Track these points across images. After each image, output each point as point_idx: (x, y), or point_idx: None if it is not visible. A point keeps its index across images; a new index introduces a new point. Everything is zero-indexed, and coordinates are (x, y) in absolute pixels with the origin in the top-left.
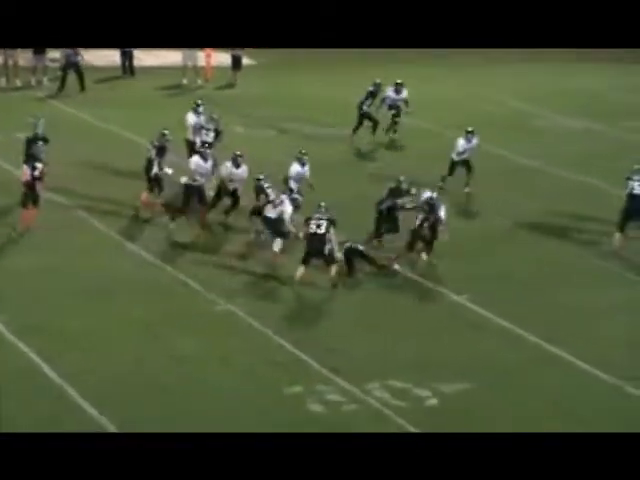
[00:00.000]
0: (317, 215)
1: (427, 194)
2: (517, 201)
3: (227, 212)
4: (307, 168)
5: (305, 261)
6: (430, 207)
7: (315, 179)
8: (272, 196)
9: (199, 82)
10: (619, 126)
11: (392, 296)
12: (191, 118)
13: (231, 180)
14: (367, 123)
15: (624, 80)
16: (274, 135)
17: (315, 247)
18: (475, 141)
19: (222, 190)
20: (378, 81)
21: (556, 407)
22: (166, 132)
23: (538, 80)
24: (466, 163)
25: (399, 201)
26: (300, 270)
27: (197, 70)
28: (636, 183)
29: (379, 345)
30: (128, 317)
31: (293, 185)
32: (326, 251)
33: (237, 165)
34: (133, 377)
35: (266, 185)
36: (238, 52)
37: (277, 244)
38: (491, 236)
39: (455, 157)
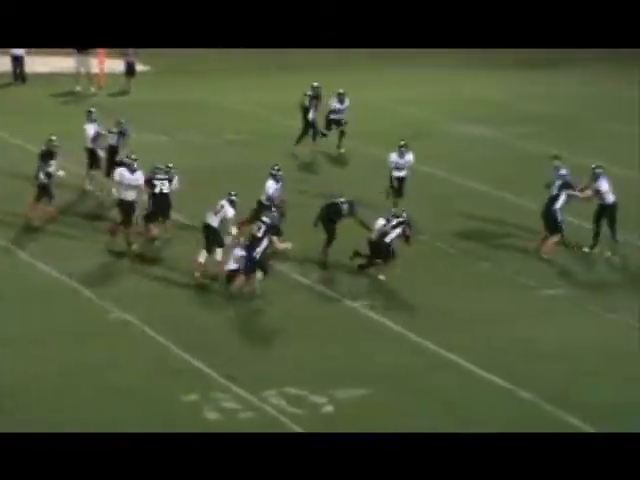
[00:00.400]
0: (263, 218)
1: (383, 220)
2: (417, 207)
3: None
4: (281, 184)
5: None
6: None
7: (212, 186)
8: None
9: (92, 89)
10: (515, 132)
11: (289, 304)
12: (89, 127)
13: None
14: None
15: (523, 87)
16: (167, 141)
17: (249, 250)
18: (410, 157)
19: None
20: (316, 84)
21: (451, 412)
22: (53, 138)
23: (438, 87)
24: (401, 182)
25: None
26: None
27: (90, 77)
28: (554, 185)
29: (275, 352)
30: (19, 326)
31: (267, 202)
32: (254, 254)
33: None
34: (24, 385)
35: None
36: (131, 58)
37: (218, 254)
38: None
39: (395, 173)
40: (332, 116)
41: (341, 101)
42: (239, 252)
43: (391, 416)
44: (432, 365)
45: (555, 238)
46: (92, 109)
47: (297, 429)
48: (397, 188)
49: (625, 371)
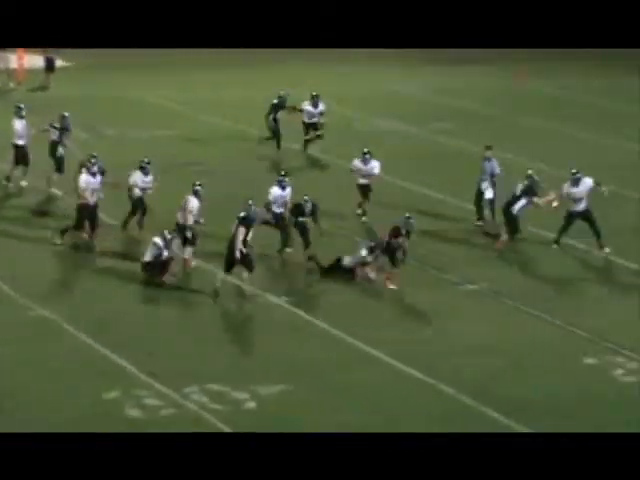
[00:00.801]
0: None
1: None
2: (338, 203)
3: (139, 223)
4: (288, 191)
5: (225, 267)
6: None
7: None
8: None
9: (11, 85)
10: (428, 128)
11: (210, 300)
12: (17, 123)
13: (143, 189)
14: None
15: (440, 83)
16: (88, 138)
17: (228, 247)
18: (374, 164)
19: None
20: (282, 93)
21: (375, 407)
22: None
23: (355, 83)
24: (366, 188)
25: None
26: (218, 277)
27: (9, 73)
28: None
29: (198, 349)
30: None
31: (276, 209)
32: (236, 253)
33: (146, 173)
34: None
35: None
36: (51, 54)
37: (187, 252)
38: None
39: (361, 181)
40: (307, 120)
41: (315, 104)
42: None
43: (315, 412)
44: (355, 360)
45: (506, 236)
46: (21, 105)
47: (220, 426)
48: (363, 194)
49: (546, 367)
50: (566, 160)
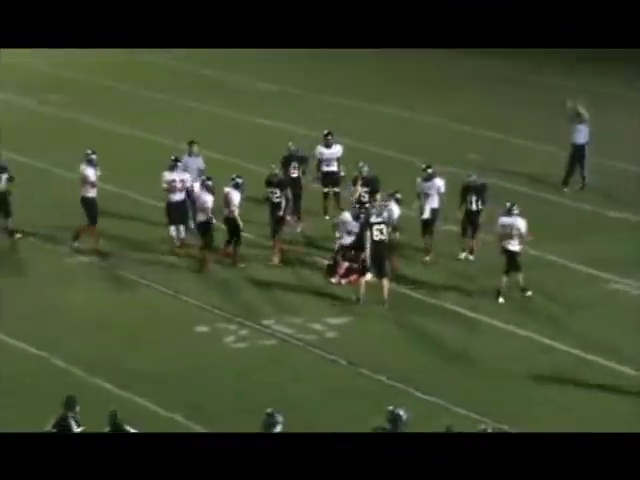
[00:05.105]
0: None
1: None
2: None
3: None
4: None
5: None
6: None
7: None
8: None
9: None
10: (38, 98)
11: None
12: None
13: (93, 186)
14: None
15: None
16: None
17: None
18: (338, 148)
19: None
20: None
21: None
22: None
23: None
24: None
25: None
26: None
27: None
28: None
29: None
30: None
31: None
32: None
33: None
34: None
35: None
36: None
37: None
38: None
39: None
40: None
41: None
42: None
43: None
44: None
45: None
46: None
47: None
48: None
49: (160, 337)
50: (180, 130)
